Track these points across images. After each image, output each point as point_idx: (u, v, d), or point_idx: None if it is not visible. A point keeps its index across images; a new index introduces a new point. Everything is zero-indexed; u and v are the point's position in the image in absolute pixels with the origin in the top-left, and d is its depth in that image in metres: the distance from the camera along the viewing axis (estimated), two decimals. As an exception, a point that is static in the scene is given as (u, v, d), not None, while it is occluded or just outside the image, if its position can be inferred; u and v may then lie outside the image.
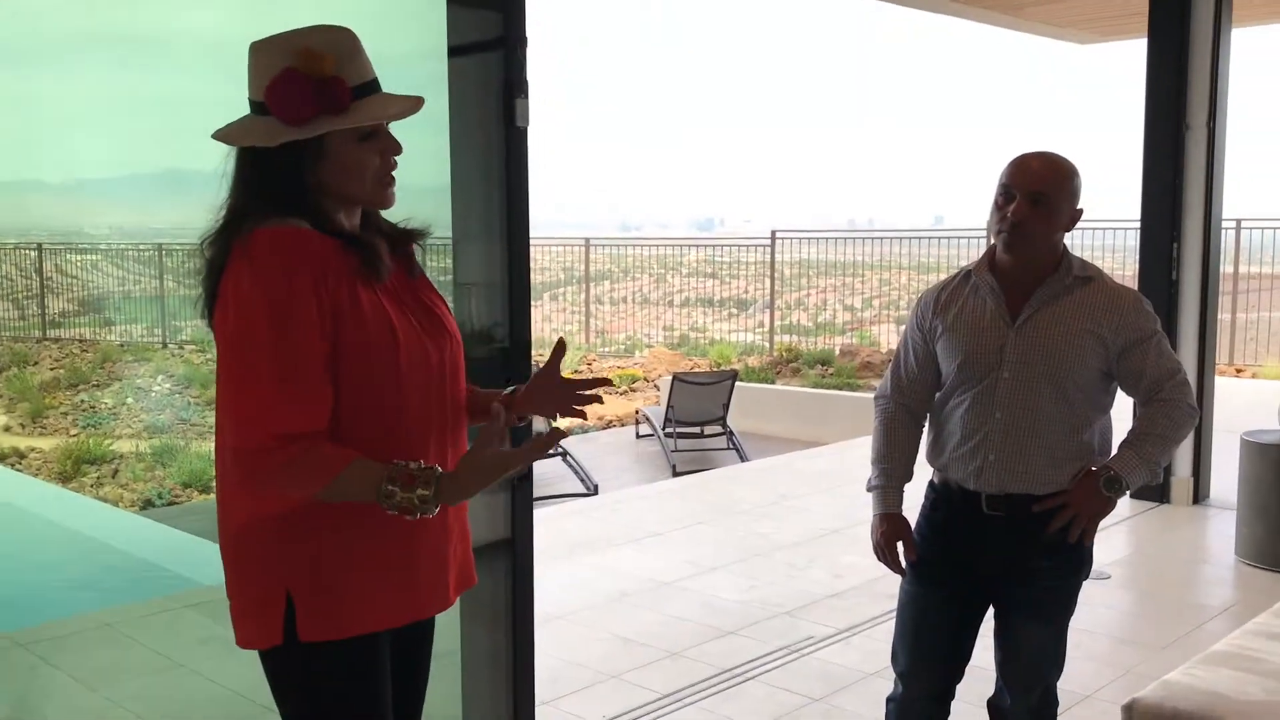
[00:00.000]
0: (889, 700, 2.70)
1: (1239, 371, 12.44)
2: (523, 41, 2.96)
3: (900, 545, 2.61)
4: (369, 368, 1.66)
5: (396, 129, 1.77)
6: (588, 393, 1.99)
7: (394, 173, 1.75)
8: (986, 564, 2.53)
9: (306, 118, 1.64)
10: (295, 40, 1.66)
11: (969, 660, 2.63)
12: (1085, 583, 2.59)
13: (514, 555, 3.13)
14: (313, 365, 1.60)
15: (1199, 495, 6.32)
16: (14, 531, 6.12)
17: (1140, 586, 5.04)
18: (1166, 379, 2.45)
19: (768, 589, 4.84)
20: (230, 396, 1.62)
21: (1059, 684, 2.64)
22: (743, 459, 9.48)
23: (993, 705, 2.67)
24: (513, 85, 2.95)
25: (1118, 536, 5.75)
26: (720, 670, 3.97)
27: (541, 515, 6.99)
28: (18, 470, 10.11)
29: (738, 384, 10.38)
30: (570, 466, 9.09)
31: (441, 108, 2.99)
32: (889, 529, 2.61)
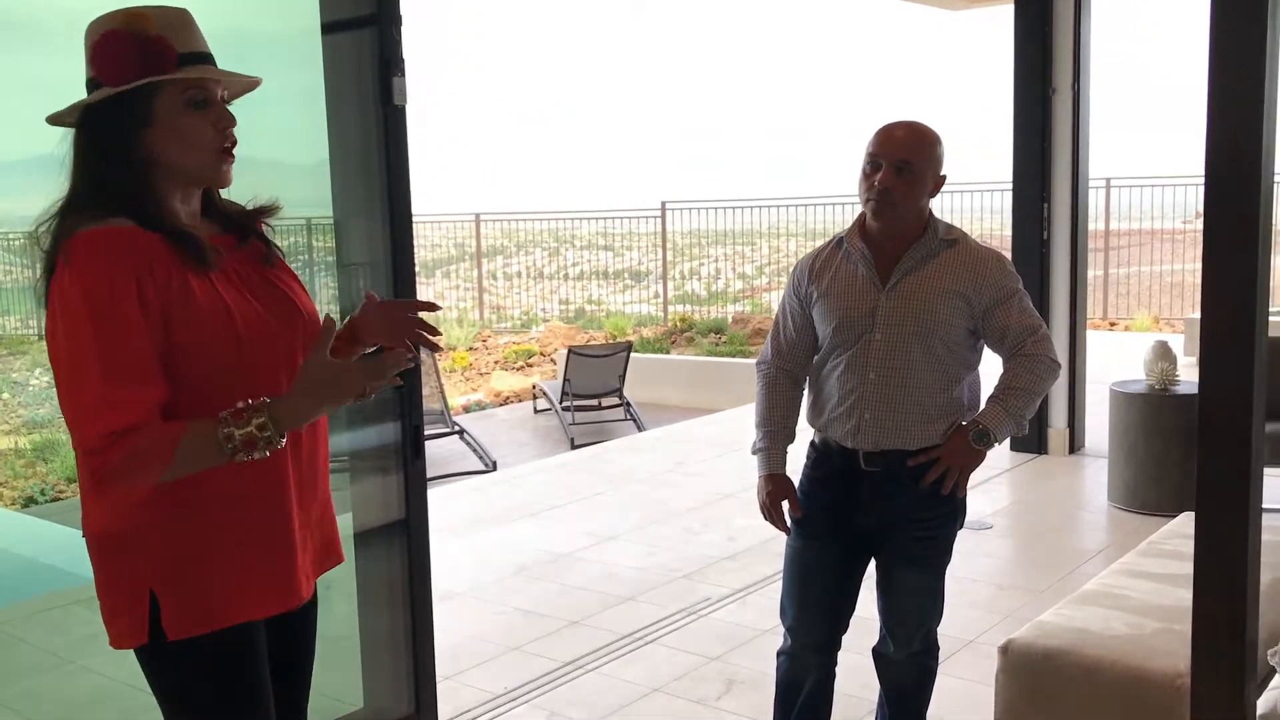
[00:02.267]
0: (779, 654, 2.80)
1: (1112, 325, 12.96)
2: (397, 20, 2.95)
3: (785, 504, 2.70)
4: (208, 355, 1.64)
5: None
6: (422, 315, 1.92)
7: (231, 148, 1.72)
8: (866, 517, 2.64)
9: (129, 76, 1.63)
10: (123, 10, 1.66)
11: (853, 610, 2.74)
12: (967, 533, 2.72)
13: (409, 536, 3.14)
14: (137, 360, 1.59)
15: (1075, 445, 6.61)
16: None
17: (1020, 534, 5.27)
18: (1028, 335, 2.58)
19: (665, 554, 4.93)
20: (63, 400, 1.61)
21: (941, 630, 2.77)
22: (640, 429, 9.58)
23: (877, 653, 2.79)
24: (389, 63, 2.94)
25: (999, 488, 5.99)
26: (620, 636, 4.05)
27: (439, 494, 6.99)
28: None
29: (634, 355, 10.46)
30: (468, 444, 9.07)
31: (318, 85, 2.98)
32: (774, 489, 2.70)
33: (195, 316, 1.64)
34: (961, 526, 2.70)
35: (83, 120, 1.67)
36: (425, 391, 9.90)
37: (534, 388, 11.39)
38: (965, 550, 4.88)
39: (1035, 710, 2.77)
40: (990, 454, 2.65)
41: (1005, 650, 2.82)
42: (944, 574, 2.70)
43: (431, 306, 1.99)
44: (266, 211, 1.88)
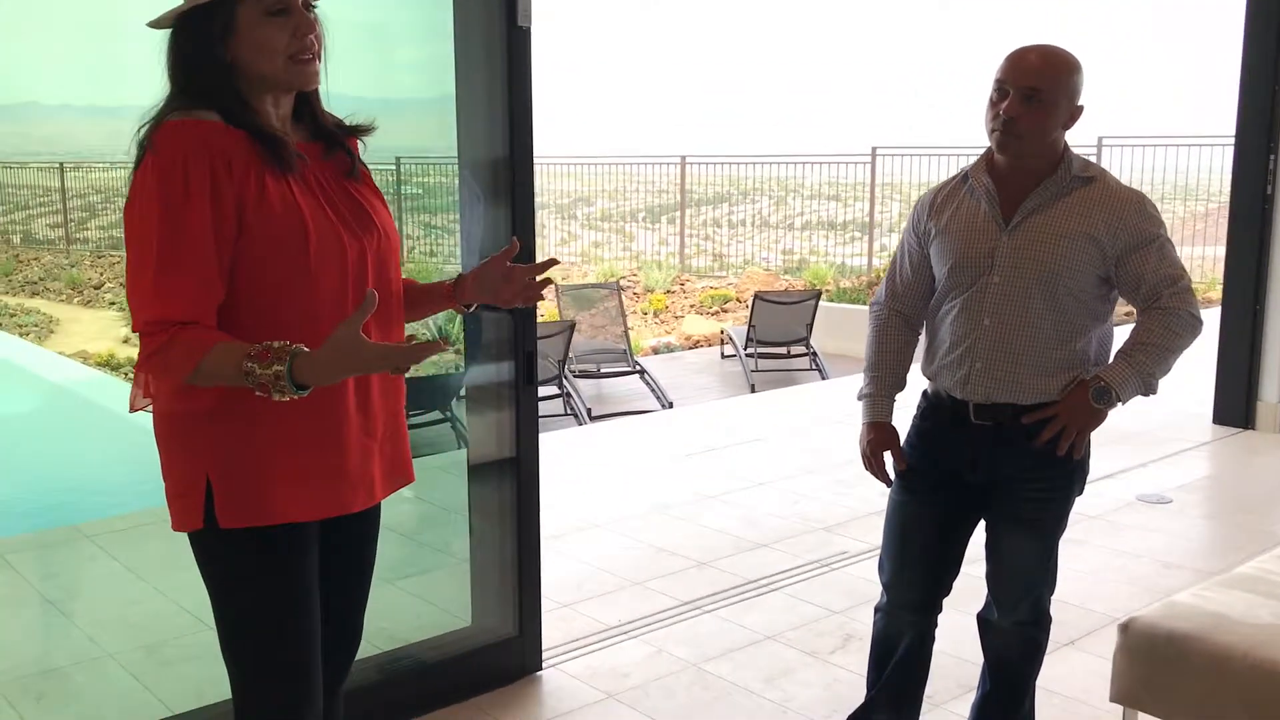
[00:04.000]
0: (875, 609, 2.67)
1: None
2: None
3: (888, 455, 2.56)
4: (276, 257, 1.67)
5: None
6: (539, 277, 1.98)
7: (311, 51, 1.73)
8: (974, 474, 2.47)
9: None
10: None
11: (956, 572, 2.58)
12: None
13: (518, 473, 3.16)
14: (197, 256, 1.61)
15: (1287, 422, 6.04)
16: (75, 421, 6.39)
17: (1201, 512, 4.86)
18: (1166, 286, 2.33)
19: (810, 504, 4.81)
20: (127, 282, 1.66)
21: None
22: (823, 378, 9.39)
23: (982, 619, 2.62)
24: (513, -17, 2.90)
25: (1189, 460, 5.54)
26: (745, 581, 3.98)
27: (603, 428, 7.08)
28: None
29: (828, 305, 10.23)
30: (647, 384, 9.12)
31: (448, 20, 2.96)
32: (876, 437, 2.56)
33: (267, 215, 1.67)
34: (1081, 492, 2.49)
35: (176, 26, 1.71)
36: (614, 331, 10.02)
37: (721, 332, 11.33)
38: (1133, 523, 4.56)
39: (1153, 697, 2.54)
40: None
41: (1126, 629, 2.60)
42: (1057, 541, 2.50)
43: (552, 263, 2.02)
44: (361, 130, 1.90)
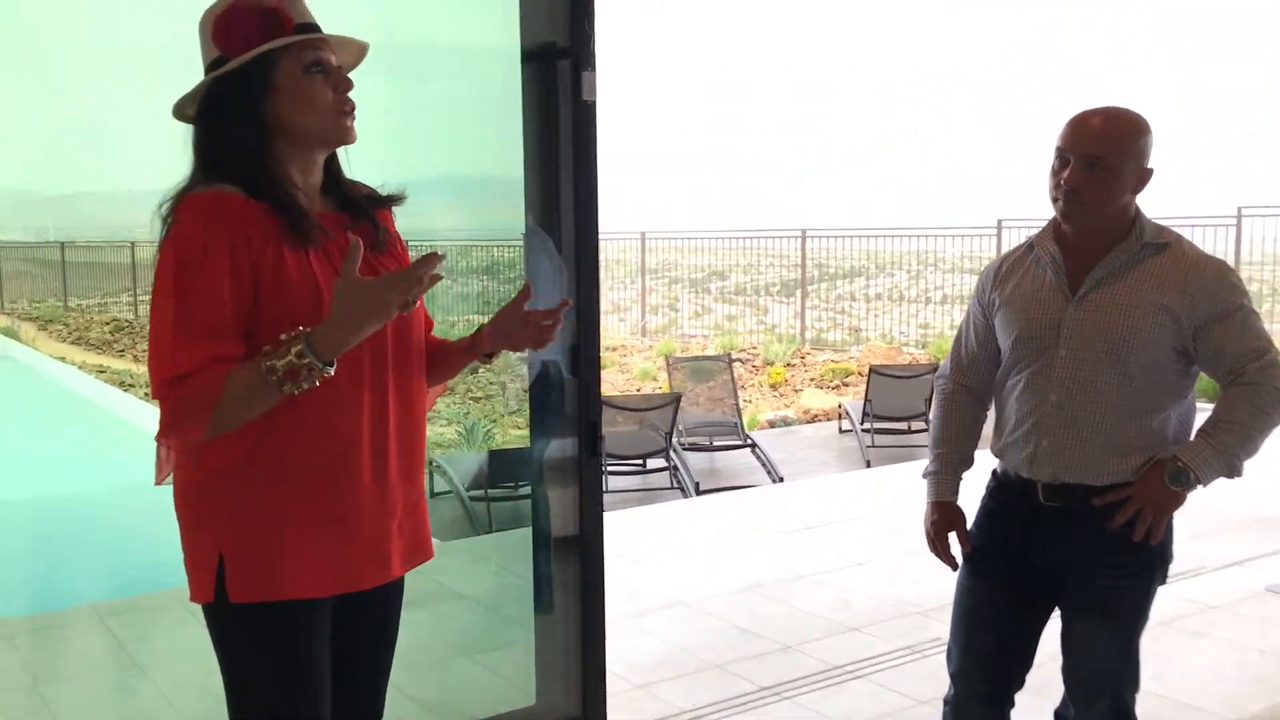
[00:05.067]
0: (945, 702, 2.51)
1: None
2: (589, 14, 2.93)
3: (953, 536, 2.43)
4: (289, 328, 1.66)
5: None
6: (548, 322, 1.93)
7: (351, 108, 1.75)
8: (1044, 559, 2.32)
9: (253, 43, 1.68)
10: None
11: (1029, 664, 2.41)
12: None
13: (581, 551, 3.11)
14: (211, 316, 1.61)
15: None
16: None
17: (1343, 605, 4.49)
18: (1250, 359, 2.16)
19: (908, 587, 4.61)
20: (148, 353, 1.67)
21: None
22: (941, 455, 9.09)
23: (1059, 716, 2.44)
24: (579, 58, 2.92)
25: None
26: (831, 666, 3.82)
27: (705, 502, 6.97)
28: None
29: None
30: (758, 458, 8.98)
31: (516, 99, 2.99)
32: (941, 518, 2.43)
33: (283, 287, 1.67)
34: (1164, 581, 2.30)
35: (206, 96, 1.73)
36: (726, 404, 9.93)
37: (839, 407, 11.12)
38: (1260, 616, 4.23)
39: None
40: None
41: (1225, 732, 2.38)
42: (1137, 634, 2.31)
43: (564, 305, 1.99)
44: (393, 200, 1.91)
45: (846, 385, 13.47)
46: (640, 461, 8.60)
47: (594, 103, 2.96)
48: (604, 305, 15.03)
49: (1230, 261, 12.70)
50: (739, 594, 4.64)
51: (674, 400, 8.46)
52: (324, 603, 1.78)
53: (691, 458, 9.16)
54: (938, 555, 2.45)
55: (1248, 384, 2.16)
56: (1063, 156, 2.20)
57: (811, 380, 13.89)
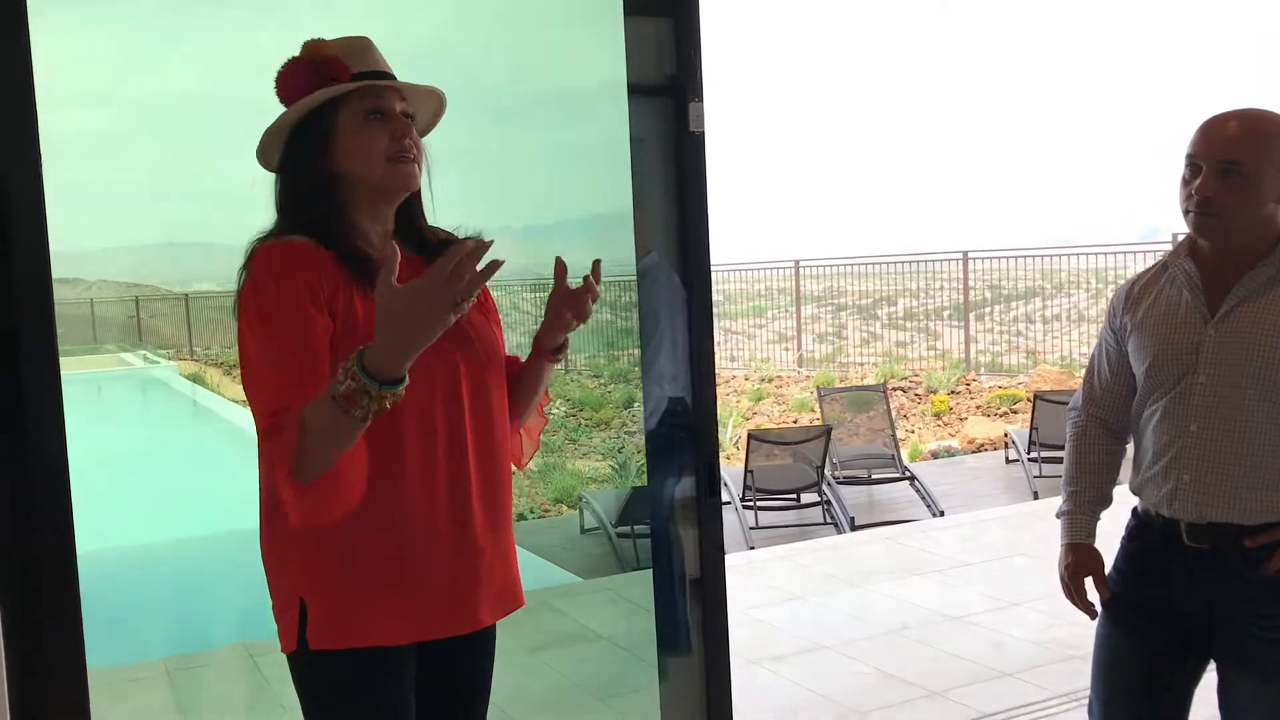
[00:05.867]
0: (1089, 760, 2.31)
1: None
2: (695, 45, 2.87)
3: (1090, 581, 2.24)
4: None
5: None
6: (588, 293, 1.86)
7: (410, 155, 1.72)
8: (1192, 607, 2.10)
9: (303, 90, 1.69)
10: (306, 41, 1.73)
11: (1183, 721, 2.19)
12: None
13: (702, 596, 3.01)
14: (304, 344, 1.60)
15: None
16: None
17: None
18: None
19: (1070, 629, 4.33)
20: (248, 400, 1.68)
21: None
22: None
23: (1218, 781, 2.21)
24: (685, 89, 2.86)
25: None
26: (980, 715, 3.60)
27: (858, 539, 6.76)
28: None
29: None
30: (917, 490, 8.68)
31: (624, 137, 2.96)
32: (1075, 561, 2.25)
33: (352, 330, 1.66)
34: (1333, 631, 2.06)
35: (285, 149, 1.76)
36: (884, 435, 9.66)
37: (1005, 435, 10.67)
38: None
39: None
40: None
41: None
42: (1304, 693, 2.07)
43: (596, 266, 1.88)
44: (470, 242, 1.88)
45: (1015, 412, 12.93)
46: (794, 496, 8.43)
47: (702, 134, 2.90)
48: (767, 335, 14.91)
49: None
50: (884, 636, 4.45)
51: (824, 432, 8.27)
52: (404, 652, 1.75)
53: (848, 491, 8.93)
54: (1073, 602, 2.26)
55: None
56: (1194, 164, 2.02)
57: (978, 408, 13.39)
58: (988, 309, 16.76)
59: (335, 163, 1.71)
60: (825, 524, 8.06)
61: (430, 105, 1.83)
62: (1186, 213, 2.04)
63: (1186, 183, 2.03)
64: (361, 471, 1.62)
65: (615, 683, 3.56)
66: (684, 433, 3.02)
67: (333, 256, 1.68)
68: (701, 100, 2.89)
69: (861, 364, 16.15)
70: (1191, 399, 2.06)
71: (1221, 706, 2.13)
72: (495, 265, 1.49)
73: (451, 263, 1.45)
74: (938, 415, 13.41)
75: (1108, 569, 2.25)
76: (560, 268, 1.87)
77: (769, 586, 5.35)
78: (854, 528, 7.80)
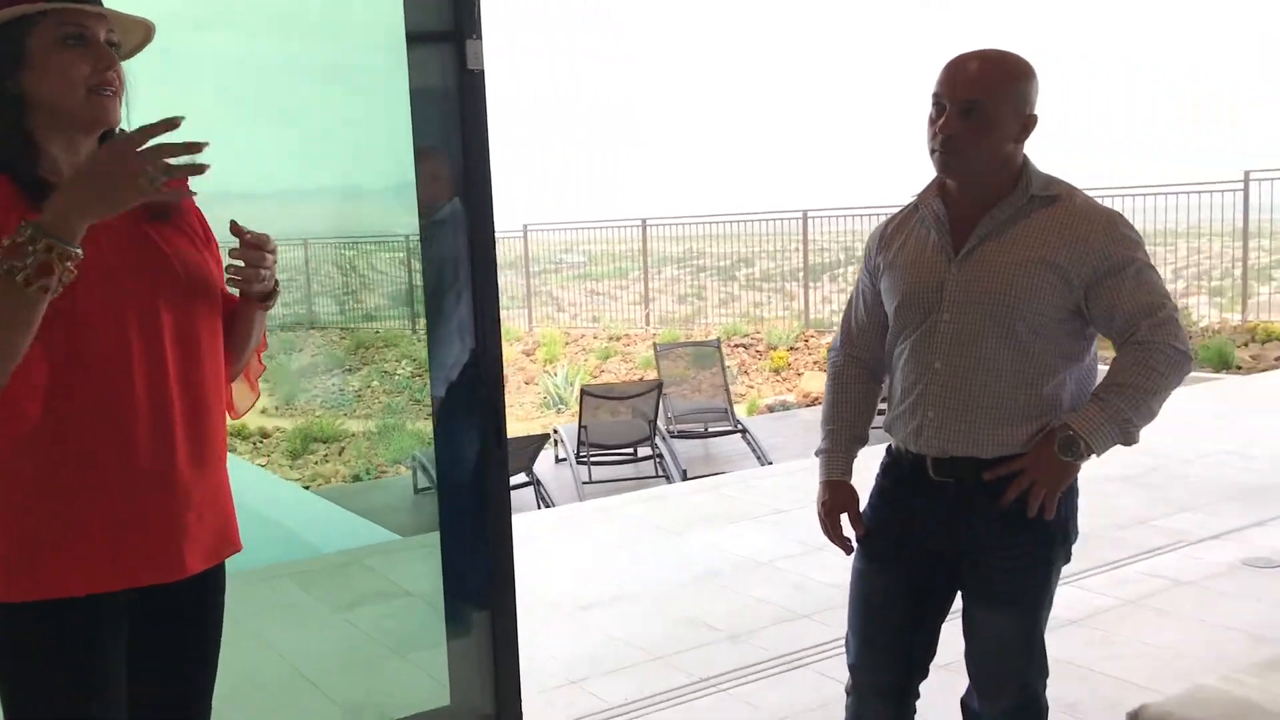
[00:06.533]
0: (846, 692, 2.36)
1: None
2: (472, -17, 2.79)
3: (846, 517, 2.28)
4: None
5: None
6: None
7: (112, 87, 1.61)
8: (938, 540, 2.16)
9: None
10: None
11: (932, 653, 2.27)
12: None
13: (490, 551, 2.98)
14: None
15: None
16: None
17: (1321, 577, 4.29)
18: (1144, 316, 2.00)
19: (871, 571, 4.46)
20: None
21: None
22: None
23: (964, 704, 2.29)
24: (463, 29, 2.78)
25: (1316, 518, 4.94)
26: (775, 655, 3.67)
27: (679, 489, 6.82)
28: (258, 446, 10.81)
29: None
30: (748, 443, 8.83)
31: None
32: (831, 498, 2.29)
33: None
34: (1067, 560, 2.15)
35: None
36: (718, 389, 9.78)
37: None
38: (1232, 591, 4.05)
39: (1166, 801, 2.16)
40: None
41: (1135, 719, 2.22)
42: (1041, 619, 2.15)
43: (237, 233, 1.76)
44: (192, 169, 1.76)
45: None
46: (631, 451, 8.47)
47: (481, 72, 2.82)
48: (630, 296, 14.86)
49: (1237, 228, 12.44)
50: (693, 583, 4.50)
51: (656, 387, 8.32)
52: (101, 605, 1.63)
53: (684, 445, 9.03)
54: (829, 537, 2.30)
55: (1141, 343, 2.00)
56: (938, 103, 2.04)
57: (815, 363, 13.69)
58: (840, 269, 17.10)
59: (26, 86, 1.59)
60: (658, 476, 8.14)
61: (138, 35, 1.71)
62: (932, 152, 2.07)
63: (932, 122, 2.06)
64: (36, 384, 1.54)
65: (414, 638, 3.50)
66: (472, 387, 2.96)
67: (8, 180, 1.57)
68: (480, 38, 2.81)
69: (719, 324, 16.27)
70: (936, 337, 2.10)
71: (966, 636, 2.21)
72: (196, 168, 1.47)
73: (143, 131, 1.42)
74: (776, 371, 13.66)
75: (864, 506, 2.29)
76: (233, 227, 1.76)
77: (591, 538, 5.36)
78: (686, 479, 7.89)
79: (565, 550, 5.14)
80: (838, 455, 2.31)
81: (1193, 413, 7.25)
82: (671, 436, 8.88)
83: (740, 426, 9.08)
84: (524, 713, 3.05)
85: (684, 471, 8.14)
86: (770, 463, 8.30)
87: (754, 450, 8.65)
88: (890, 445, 2.27)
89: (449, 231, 2.93)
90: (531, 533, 5.64)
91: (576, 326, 17.26)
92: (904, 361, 2.16)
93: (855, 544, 2.28)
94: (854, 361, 2.32)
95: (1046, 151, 2.22)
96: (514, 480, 7.52)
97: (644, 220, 17.57)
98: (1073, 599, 4.01)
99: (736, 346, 14.82)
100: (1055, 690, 3.17)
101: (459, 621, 3.06)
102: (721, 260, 18.73)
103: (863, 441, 2.33)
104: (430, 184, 2.89)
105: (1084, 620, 3.85)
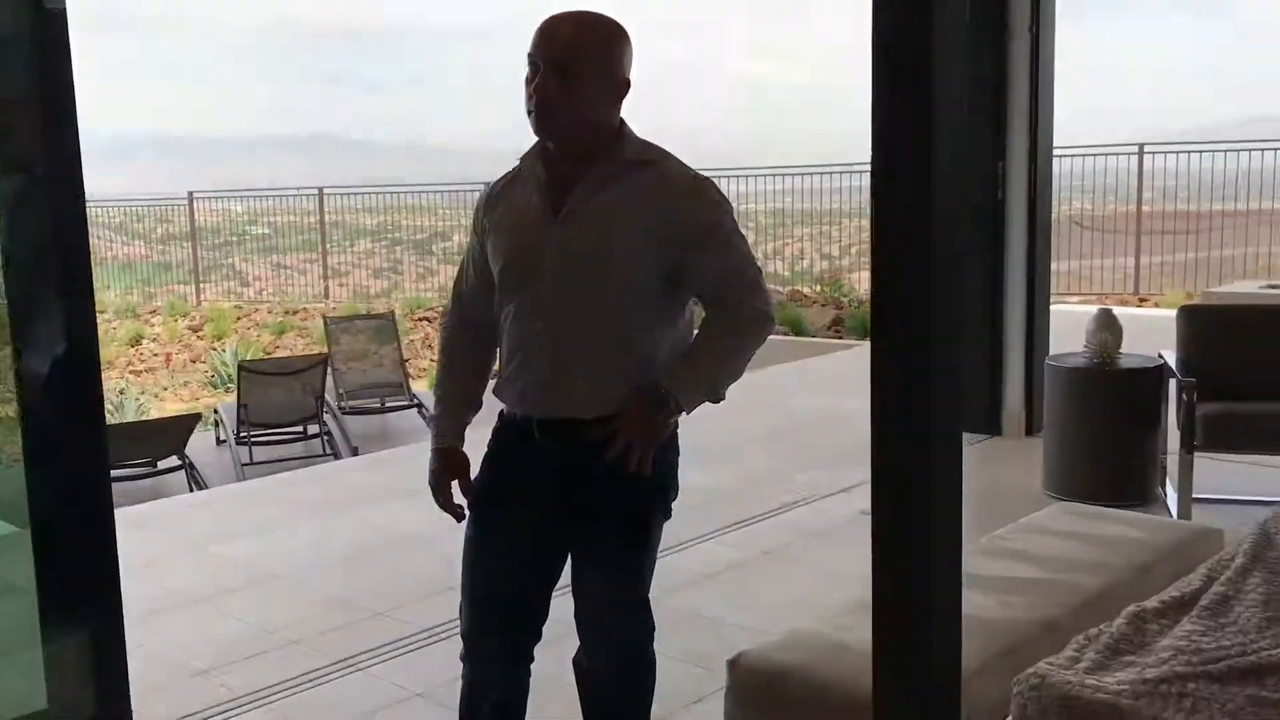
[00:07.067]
0: (461, 658, 2.33)
1: (1141, 301, 12.13)
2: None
3: (456, 484, 2.25)
4: None
5: None
6: None
7: None
8: (547, 503, 2.17)
9: None
10: None
11: (543, 617, 2.27)
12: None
13: (87, 543, 2.72)
14: None
15: (1032, 427, 5.98)
16: None
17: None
18: (732, 279, 2.07)
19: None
20: None
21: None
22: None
23: (576, 664, 2.31)
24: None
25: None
26: (418, 630, 3.61)
27: (348, 465, 6.62)
28: None
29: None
30: (424, 419, 8.69)
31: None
32: (440, 465, 2.25)
33: None
34: (668, 516, 2.21)
35: None
36: (388, 363, 9.55)
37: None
38: (855, 538, 4.35)
39: (761, 741, 2.28)
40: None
41: (734, 665, 2.32)
42: (642, 574, 2.20)
43: None
44: None
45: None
46: (300, 429, 8.13)
47: (62, 11, 2.56)
48: (319, 270, 14.25)
49: (1130, 198, 13.14)
50: (343, 563, 4.36)
51: (321, 361, 8.03)
52: None
53: (359, 421, 8.76)
54: (440, 505, 2.26)
55: (727, 306, 2.08)
56: (533, 64, 2.03)
57: (500, 336, 13.63)
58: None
59: None
60: (327, 455, 7.85)
61: None
62: (529, 113, 2.05)
63: (528, 82, 2.04)
64: None
65: (4, 638, 3.18)
66: (63, 362, 2.70)
67: None
68: (60, -26, 2.54)
69: (415, 298, 15.84)
70: (538, 299, 2.09)
71: (575, 597, 2.22)
72: None
73: None
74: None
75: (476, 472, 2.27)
76: None
77: (240, 520, 5.09)
78: (357, 456, 7.65)
79: (208, 535, 4.85)
80: (448, 422, 2.27)
81: (837, 375, 7.78)
82: (344, 413, 8.60)
83: (416, 400, 8.92)
84: (134, 711, 2.83)
85: (355, 449, 7.91)
86: (356, 448, 8.15)
87: (429, 424, 8.51)
88: (501, 410, 2.26)
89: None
90: (177, 517, 5.30)
91: (261, 301, 16.40)
92: (510, 324, 2.14)
93: (467, 511, 2.25)
94: (466, 325, 2.29)
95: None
96: (164, 464, 7.05)
97: (320, 189, 16.93)
98: (711, 554, 4.19)
99: (420, 319, 14.57)
100: (688, 643, 3.31)
101: (56, 619, 2.79)
102: (417, 234, 18.35)
103: (476, 407, 2.31)
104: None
105: (720, 574, 4.03)
